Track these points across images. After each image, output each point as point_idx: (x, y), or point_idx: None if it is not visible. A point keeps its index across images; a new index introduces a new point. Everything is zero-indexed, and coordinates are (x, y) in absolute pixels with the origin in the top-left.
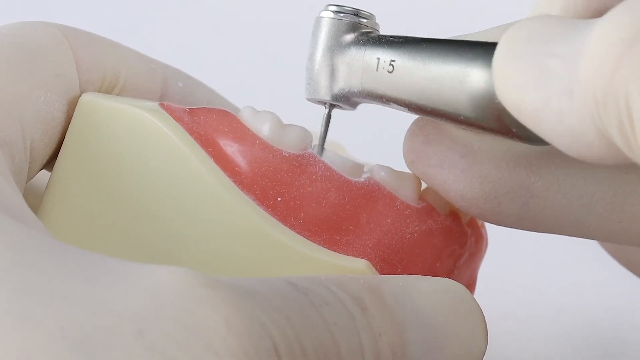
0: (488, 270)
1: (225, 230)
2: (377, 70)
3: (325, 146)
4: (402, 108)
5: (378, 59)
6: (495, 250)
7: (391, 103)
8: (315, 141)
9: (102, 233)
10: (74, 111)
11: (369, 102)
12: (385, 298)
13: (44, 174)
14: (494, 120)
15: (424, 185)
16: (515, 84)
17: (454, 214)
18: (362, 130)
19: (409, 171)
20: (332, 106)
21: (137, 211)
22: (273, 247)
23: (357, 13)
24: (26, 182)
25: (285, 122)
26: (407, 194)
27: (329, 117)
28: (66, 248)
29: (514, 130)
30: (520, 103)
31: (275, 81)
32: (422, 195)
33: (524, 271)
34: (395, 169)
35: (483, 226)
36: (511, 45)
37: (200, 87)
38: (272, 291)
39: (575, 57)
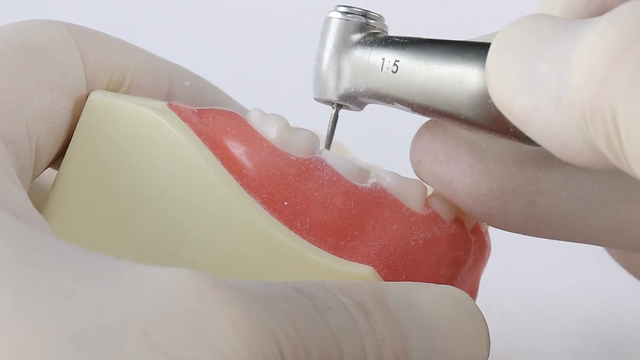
0: (489, 270)
1: (231, 233)
2: (381, 70)
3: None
4: (406, 108)
5: (383, 59)
6: (496, 250)
7: (395, 103)
8: (322, 142)
9: (108, 233)
10: (80, 110)
11: (375, 103)
12: (389, 304)
13: (50, 172)
14: (493, 121)
15: (429, 192)
16: (506, 86)
17: (459, 221)
18: (365, 130)
19: (415, 177)
20: (339, 106)
21: (144, 212)
22: (278, 250)
23: (365, 14)
24: (31, 181)
25: (292, 124)
26: (412, 201)
27: (336, 117)
28: (70, 247)
29: (511, 130)
30: (511, 106)
31: (282, 81)
32: (427, 202)
33: (524, 271)
34: (400, 171)
35: (487, 233)
36: (503, 46)
37: (207, 86)
38: (277, 295)
39: (565, 63)
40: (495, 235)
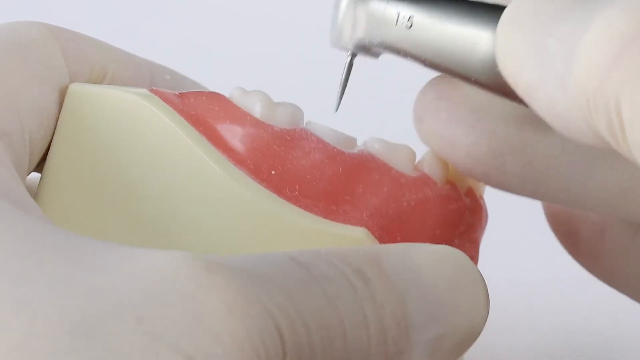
0: (489, 269)
1: (221, 206)
2: (396, 24)
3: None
4: (419, 63)
5: (398, 13)
6: (497, 249)
7: (409, 57)
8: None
9: (98, 218)
10: None
11: (389, 54)
12: (386, 268)
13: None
14: (503, 85)
15: (418, 158)
16: (514, 57)
17: (451, 183)
18: (363, 126)
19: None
20: (353, 55)
21: (132, 194)
22: (270, 219)
23: None
24: (27, 174)
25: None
26: (401, 164)
27: (350, 65)
28: (67, 234)
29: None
30: (517, 77)
31: (279, 79)
32: (417, 167)
33: (525, 269)
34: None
35: (481, 197)
36: (514, 17)
37: (187, 81)
38: (273, 269)
39: (573, 45)
40: (496, 236)
